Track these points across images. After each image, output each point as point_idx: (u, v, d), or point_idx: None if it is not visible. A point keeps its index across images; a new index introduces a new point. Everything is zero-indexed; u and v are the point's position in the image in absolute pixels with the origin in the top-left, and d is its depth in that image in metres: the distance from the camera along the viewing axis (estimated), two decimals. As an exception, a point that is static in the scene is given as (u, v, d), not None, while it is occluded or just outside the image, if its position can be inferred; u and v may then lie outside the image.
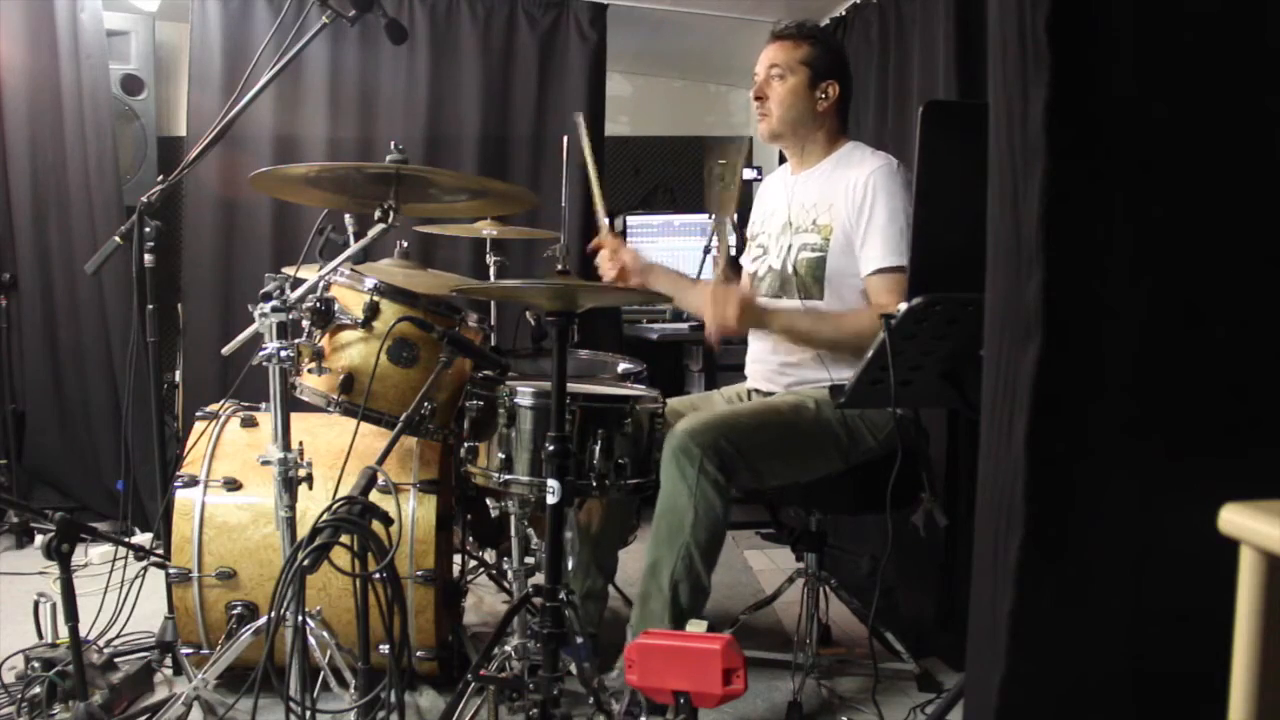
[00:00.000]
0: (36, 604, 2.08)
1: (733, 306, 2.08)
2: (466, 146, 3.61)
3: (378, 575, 1.60)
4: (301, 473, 1.77)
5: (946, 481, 2.58)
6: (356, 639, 1.71)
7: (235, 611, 2.07)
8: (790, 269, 2.26)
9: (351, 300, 2.01)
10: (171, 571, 2.09)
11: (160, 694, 2.14)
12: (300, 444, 1.77)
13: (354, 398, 1.99)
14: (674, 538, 1.96)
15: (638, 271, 2.39)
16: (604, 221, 2.38)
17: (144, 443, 2.92)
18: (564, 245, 2.15)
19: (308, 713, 1.74)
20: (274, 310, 1.74)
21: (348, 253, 1.86)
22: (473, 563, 2.70)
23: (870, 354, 1.72)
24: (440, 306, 2.07)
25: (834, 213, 2.21)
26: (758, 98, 2.27)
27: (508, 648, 2.04)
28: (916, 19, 2.94)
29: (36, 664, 2.00)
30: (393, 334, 1.98)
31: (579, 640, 1.74)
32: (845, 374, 1.99)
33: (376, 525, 1.59)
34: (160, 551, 2.37)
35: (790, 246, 2.28)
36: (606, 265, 2.39)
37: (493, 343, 2.54)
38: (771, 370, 2.31)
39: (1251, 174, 1.19)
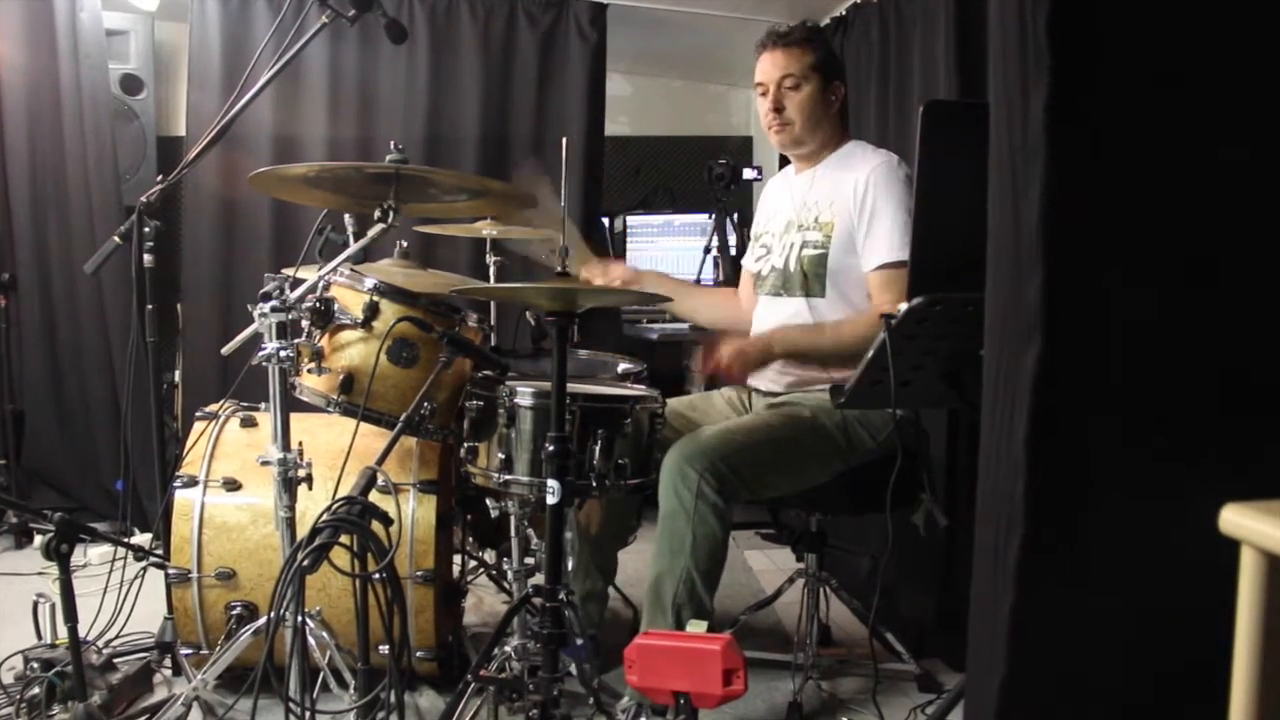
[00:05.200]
0: (36, 604, 2.08)
1: (725, 356, 2.12)
2: (466, 146, 3.60)
3: (377, 575, 1.60)
4: (301, 473, 1.77)
5: (946, 481, 2.57)
6: (356, 639, 1.71)
7: (235, 612, 2.07)
8: (792, 266, 2.27)
9: (351, 300, 2.01)
10: (171, 572, 2.09)
11: (159, 694, 2.14)
12: (300, 444, 1.77)
13: (354, 398, 1.99)
14: (675, 558, 1.96)
15: (631, 282, 2.45)
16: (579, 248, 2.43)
17: (143, 443, 2.92)
18: (563, 246, 2.14)
19: (307, 713, 1.74)
20: (273, 310, 1.73)
21: (347, 253, 1.86)
22: (473, 563, 2.70)
23: (870, 354, 1.72)
24: (440, 306, 2.07)
25: (836, 210, 2.21)
26: (776, 109, 2.26)
27: (508, 648, 2.04)
28: (916, 19, 2.93)
29: (35, 664, 2.00)
30: (392, 334, 1.98)
31: (579, 641, 1.74)
32: (845, 374, 1.99)
33: (376, 525, 1.59)
34: (159, 552, 2.36)
35: (793, 244, 2.29)
36: (599, 283, 2.42)
37: (493, 343, 2.53)
38: (773, 371, 2.30)
39: (1251, 173, 1.19)
